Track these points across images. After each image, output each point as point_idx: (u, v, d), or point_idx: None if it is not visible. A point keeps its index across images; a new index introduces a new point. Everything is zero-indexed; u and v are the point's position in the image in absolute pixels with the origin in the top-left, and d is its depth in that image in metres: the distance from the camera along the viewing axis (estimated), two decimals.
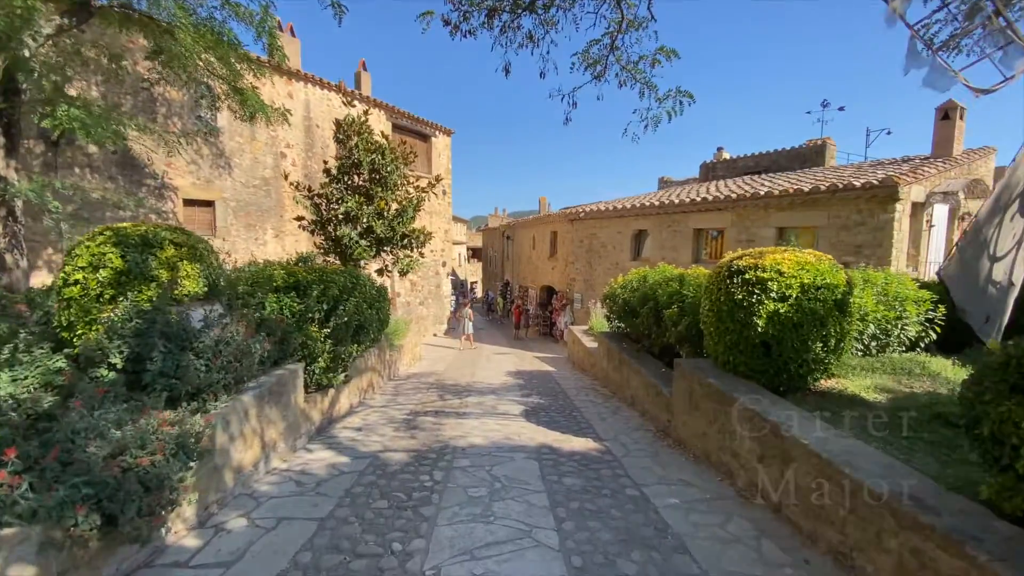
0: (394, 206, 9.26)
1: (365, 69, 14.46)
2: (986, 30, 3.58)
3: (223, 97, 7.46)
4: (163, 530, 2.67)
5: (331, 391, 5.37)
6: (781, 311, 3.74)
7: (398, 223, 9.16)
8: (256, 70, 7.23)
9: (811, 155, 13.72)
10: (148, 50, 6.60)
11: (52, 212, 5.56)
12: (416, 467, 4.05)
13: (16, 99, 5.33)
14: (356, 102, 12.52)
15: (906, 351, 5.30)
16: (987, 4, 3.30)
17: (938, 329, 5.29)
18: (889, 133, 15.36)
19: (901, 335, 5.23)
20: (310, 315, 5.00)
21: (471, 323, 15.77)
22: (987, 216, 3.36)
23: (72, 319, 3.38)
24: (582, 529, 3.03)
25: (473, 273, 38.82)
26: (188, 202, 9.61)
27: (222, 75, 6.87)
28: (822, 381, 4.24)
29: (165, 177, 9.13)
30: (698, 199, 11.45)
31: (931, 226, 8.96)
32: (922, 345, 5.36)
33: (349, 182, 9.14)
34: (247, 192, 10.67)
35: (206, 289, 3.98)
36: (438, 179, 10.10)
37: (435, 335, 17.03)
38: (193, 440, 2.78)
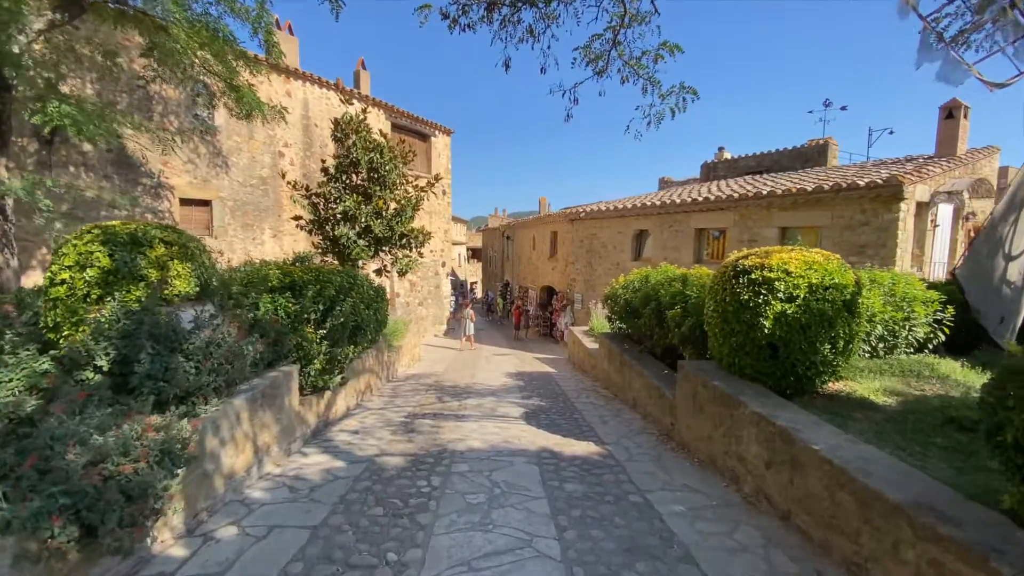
0: (393, 205, 9.13)
1: (364, 68, 14.33)
2: (998, 24, 3.49)
3: (219, 95, 7.35)
4: (148, 540, 2.56)
5: (327, 393, 5.27)
6: (788, 312, 3.64)
7: (397, 223, 9.04)
8: (253, 67, 7.13)
9: (813, 155, 13.67)
10: (143, 47, 6.50)
11: (43, 211, 5.46)
12: (413, 472, 3.95)
13: (6, 95, 5.24)
14: (354, 100, 12.43)
15: (914, 353, 5.20)
16: None
17: (947, 330, 5.19)
18: (891, 133, 15.32)
19: (909, 336, 5.12)
20: (306, 316, 4.89)
21: (472, 324, 15.66)
22: (1002, 214, 3.27)
23: (59, 320, 3.27)
24: (584, 538, 2.92)
25: (473, 273, 38.72)
26: (184, 201, 9.50)
27: (218, 72, 6.76)
28: (830, 384, 4.14)
29: (161, 176, 9.01)
30: (700, 199, 11.35)
31: (935, 226, 8.87)
32: (930, 347, 5.26)
33: (347, 181, 9.03)
34: (244, 191, 10.55)
35: (198, 289, 3.88)
36: (437, 178, 9.97)
37: (435, 336, 16.93)
38: (180, 446, 2.67)
